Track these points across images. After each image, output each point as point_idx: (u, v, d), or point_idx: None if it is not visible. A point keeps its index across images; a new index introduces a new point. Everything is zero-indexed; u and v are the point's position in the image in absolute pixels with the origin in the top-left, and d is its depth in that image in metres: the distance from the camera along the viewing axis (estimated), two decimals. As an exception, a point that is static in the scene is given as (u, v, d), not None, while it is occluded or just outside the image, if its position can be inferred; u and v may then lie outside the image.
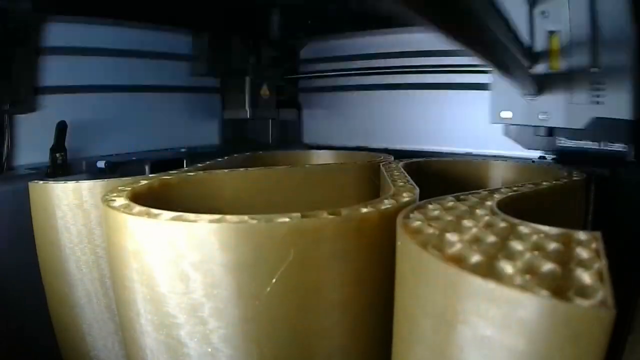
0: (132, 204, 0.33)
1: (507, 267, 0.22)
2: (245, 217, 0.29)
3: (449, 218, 0.29)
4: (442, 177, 0.59)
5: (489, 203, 0.33)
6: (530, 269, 0.22)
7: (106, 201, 0.34)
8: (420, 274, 0.24)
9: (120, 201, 0.34)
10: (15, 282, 0.52)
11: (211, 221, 0.29)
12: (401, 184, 0.41)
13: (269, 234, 0.29)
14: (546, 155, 0.76)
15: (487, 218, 0.30)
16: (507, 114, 0.48)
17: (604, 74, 0.42)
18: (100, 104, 0.71)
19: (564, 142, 0.46)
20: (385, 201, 0.34)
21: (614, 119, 0.43)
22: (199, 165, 0.54)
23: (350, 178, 0.53)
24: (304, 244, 0.29)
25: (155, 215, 0.30)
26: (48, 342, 0.48)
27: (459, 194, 0.36)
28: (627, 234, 0.59)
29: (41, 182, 0.44)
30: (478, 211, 0.31)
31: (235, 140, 0.92)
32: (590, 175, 0.51)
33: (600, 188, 0.66)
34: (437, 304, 0.23)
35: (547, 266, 0.22)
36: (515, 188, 0.39)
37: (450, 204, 0.33)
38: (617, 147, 0.44)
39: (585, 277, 0.21)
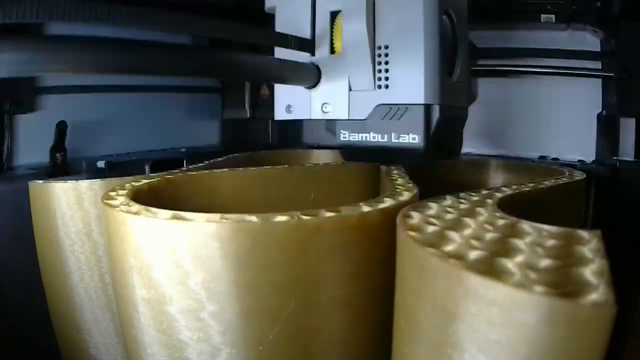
0: (132, 203, 0.33)
1: (508, 265, 0.22)
2: (245, 216, 0.29)
3: (449, 216, 0.29)
4: (442, 177, 0.59)
5: (489, 202, 0.33)
6: (530, 267, 0.22)
7: (106, 200, 0.34)
8: (421, 273, 0.24)
9: (120, 200, 0.34)
10: (15, 283, 0.52)
11: (211, 220, 0.29)
12: (401, 183, 0.41)
13: (269, 233, 0.29)
14: (546, 155, 0.77)
15: (487, 216, 0.30)
16: (290, 108, 0.42)
17: (390, 53, 0.37)
18: (100, 104, 0.71)
19: (347, 136, 0.39)
20: (385, 200, 0.34)
21: (402, 105, 0.37)
22: (199, 164, 0.54)
23: (351, 177, 0.53)
24: (303, 242, 0.29)
25: (156, 214, 0.30)
26: (48, 342, 0.48)
27: (459, 192, 0.36)
28: (627, 233, 0.59)
29: (41, 182, 0.44)
30: (478, 210, 0.31)
31: (235, 140, 0.92)
32: (590, 175, 0.51)
33: (600, 188, 0.66)
34: (438, 303, 0.22)
35: (548, 264, 0.22)
36: (515, 187, 0.39)
37: (451, 202, 0.33)
38: (407, 138, 0.37)
39: (586, 274, 0.21)
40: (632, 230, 0.61)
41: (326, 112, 0.41)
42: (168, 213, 0.30)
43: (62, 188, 0.42)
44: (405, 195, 0.36)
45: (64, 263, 0.44)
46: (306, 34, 0.41)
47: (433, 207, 0.32)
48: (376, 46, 0.37)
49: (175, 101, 0.83)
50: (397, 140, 0.38)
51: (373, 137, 0.39)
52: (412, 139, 0.38)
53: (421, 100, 0.37)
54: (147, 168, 0.69)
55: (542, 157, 0.76)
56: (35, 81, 0.63)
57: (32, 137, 0.62)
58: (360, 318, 0.33)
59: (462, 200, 0.34)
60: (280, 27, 0.43)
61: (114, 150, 0.72)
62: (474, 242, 0.25)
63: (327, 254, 0.30)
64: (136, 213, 0.31)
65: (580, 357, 0.19)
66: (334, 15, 0.40)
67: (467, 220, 0.29)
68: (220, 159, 0.59)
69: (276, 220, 0.29)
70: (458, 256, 0.23)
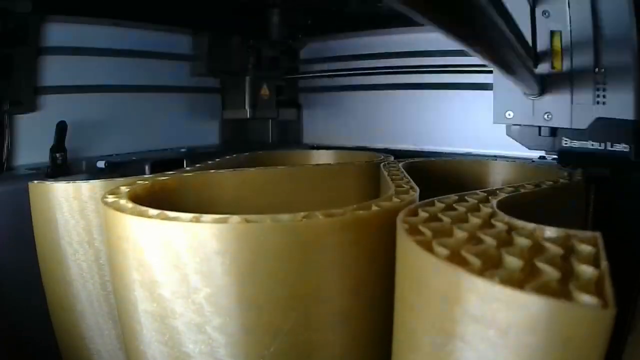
0: (132, 204, 0.33)
1: (507, 267, 0.22)
2: (246, 217, 0.29)
3: (449, 218, 0.29)
4: (442, 177, 0.59)
5: (489, 203, 0.33)
6: (530, 269, 0.22)
7: (106, 201, 0.34)
8: (420, 274, 0.24)
9: (121, 201, 0.34)
10: (15, 283, 0.52)
11: (212, 221, 0.29)
12: (401, 183, 0.41)
13: (269, 234, 0.29)
14: (546, 156, 0.76)
15: (487, 218, 0.30)
16: (509, 114, 0.48)
17: (607, 74, 0.43)
18: (100, 104, 0.71)
19: (568, 143, 0.47)
20: (385, 201, 0.34)
21: (616, 119, 0.43)
22: (199, 165, 0.54)
23: (351, 178, 0.53)
24: (303, 244, 0.29)
25: (156, 215, 0.30)
26: (48, 342, 0.48)
27: (459, 193, 0.36)
28: (627, 233, 0.59)
29: (41, 182, 0.44)
30: (478, 211, 0.31)
31: (235, 140, 0.92)
32: (590, 175, 0.51)
33: (600, 188, 0.66)
34: (437, 304, 0.22)
35: (548, 266, 0.22)
36: (515, 187, 0.39)
37: (451, 203, 0.33)
38: (620, 147, 0.44)
39: (586, 276, 0.21)
40: (632, 230, 0.61)
41: (549, 119, 0.46)
42: (169, 214, 0.30)
43: (62, 188, 0.42)
44: (406, 196, 0.36)
45: (66, 272, 0.44)
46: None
47: (433, 208, 0.32)
48: (596, 67, 0.43)
49: (175, 101, 0.83)
50: (611, 149, 0.44)
51: (592, 145, 0.45)
52: (624, 147, 0.44)
53: (631, 116, 0.43)
54: (147, 168, 0.69)
55: (542, 157, 0.76)
56: (35, 81, 0.63)
57: (32, 137, 0.62)
58: (359, 330, 0.33)
59: (462, 201, 0.34)
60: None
61: (114, 150, 0.72)
62: (474, 244, 0.25)
63: (326, 254, 0.30)
64: (136, 214, 0.31)
65: (580, 357, 0.19)
66: (552, 34, 0.44)
67: (467, 221, 0.29)
68: (221, 159, 0.59)
69: (277, 220, 0.29)
70: (458, 258, 0.23)
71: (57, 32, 0.65)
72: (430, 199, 0.34)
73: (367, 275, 0.32)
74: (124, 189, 0.38)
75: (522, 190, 0.39)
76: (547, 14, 0.44)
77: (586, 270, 0.21)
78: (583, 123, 0.45)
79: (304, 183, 0.49)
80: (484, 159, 0.63)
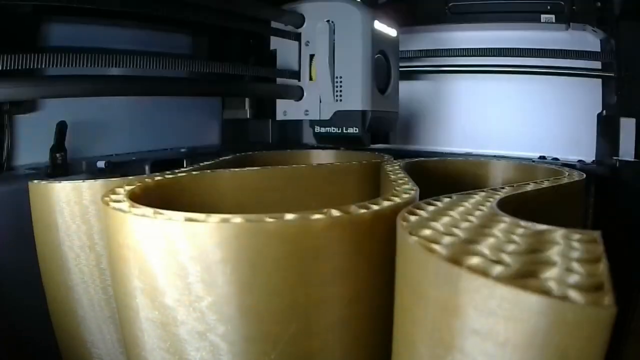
0: (132, 203, 0.33)
1: (508, 266, 0.22)
2: (247, 217, 0.29)
3: (449, 217, 0.29)
4: (442, 176, 0.59)
5: (489, 202, 0.33)
6: (531, 268, 0.22)
7: (106, 200, 0.34)
8: (420, 273, 0.24)
9: (120, 200, 0.34)
10: (15, 283, 0.52)
11: (212, 220, 0.28)
12: (401, 183, 0.41)
13: (270, 233, 0.29)
14: (546, 156, 0.77)
15: (487, 217, 0.30)
16: (285, 112, 0.71)
17: (343, 81, 0.66)
18: (100, 104, 0.71)
19: (319, 129, 0.69)
20: (385, 201, 0.34)
21: (349, 110, 0.66)
22: (199, 165, 0.54)
23: (351, 177, 0.53)
24: (303, 242, 0.29)
25: (156, 214, 0.30)
26: (48, 342, 0.48)
27: (459, 193, 0.36)
28: (627, 233, 0.59)
29: (41, 182, 0.44)
30: (478, 210, 0.31)
31: (235, 140, 0.92)
32: (590, 175, 0.51)
33: (600, 188, 0.66)
34: (438, 301, 0.22)
35: (548, 265, 0.22)
36: (515, 187, 0.39)
37: (451, 203, 0.33)
38: (352, 130, 0.66)
39: (586, 275, 0.21)
40: (632, 230, 0.61)
41: (307, 115, 0.69)
42: (169, 213, 0.30)
43: (62, 188, 0.42)
44: (405, 196, 0.36)
45: (67, 276, 0.44)
46: (295, 67, 0.69)
47: (433, 208, 0.32)
48: (335, 76, 0.66)
49: (176, 101, 0.83)
50: (346, 131, 0.67)
51: (333, 129, 0.68)
52: (355, 130, 0.66)
53: (359, 107, 0.66)
54: (147, 168, 0.69)
55: (542, 157, 0.76)
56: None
57: (32, 137, 0.62)
58: (360, 333, 0.33)
59: (462, 201, 0.34)
60: (279, 62, 0.71)
61: (114, 150, 0.72)
62: (474, 243, 0.25)
63: (326, 253, 0.30)
64: (136, 213, 0.31)
65: (580, 357, 0.19)
66: (311, 57, 0.68)
67: (467, 220, 0.29)
68: (221, 159, 0.59)
69: (277, 219, 0.29)
70: (458, 256, 0.23)
71: (57, 32, 0.65)
72: (430, 198, 0.34)
73: (367, 275, 0.32)
74: (123, 188, 0.38)
75: (522, 190, 0.39)
76: (307, 43, 0.68)
77: (586, 269, 0.21)
78: (327, 115, 0.67)
79: (304, 183, 0.49)
80: (484, 159, 0.63)
